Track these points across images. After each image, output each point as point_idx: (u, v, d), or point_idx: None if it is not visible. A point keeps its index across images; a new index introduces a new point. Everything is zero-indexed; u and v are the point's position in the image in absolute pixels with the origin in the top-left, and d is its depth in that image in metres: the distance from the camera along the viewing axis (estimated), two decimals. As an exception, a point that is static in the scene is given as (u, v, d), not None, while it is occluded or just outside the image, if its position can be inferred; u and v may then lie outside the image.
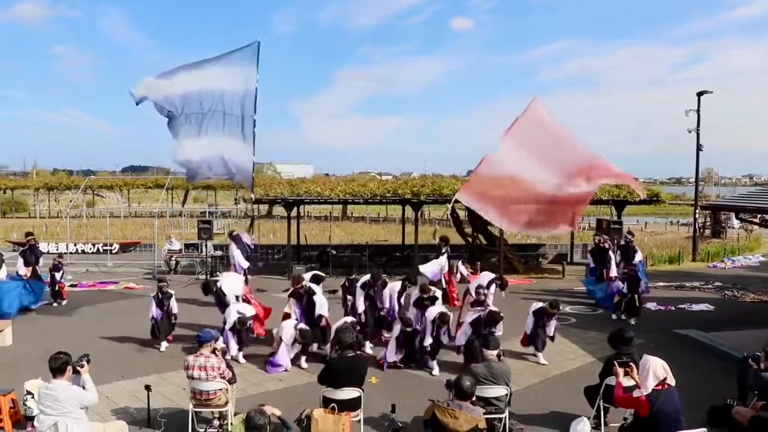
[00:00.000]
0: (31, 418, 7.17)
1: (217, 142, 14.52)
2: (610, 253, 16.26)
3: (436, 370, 10.11)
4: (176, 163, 15.30)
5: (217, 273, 19.82)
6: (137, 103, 14.20)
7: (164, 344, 11.63)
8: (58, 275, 15.53)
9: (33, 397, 7.37)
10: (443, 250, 15.07)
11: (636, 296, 13.77)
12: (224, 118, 14.53)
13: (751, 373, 7.57)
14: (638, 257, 15.79)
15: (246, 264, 16.17)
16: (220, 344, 7.91)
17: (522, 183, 12.46)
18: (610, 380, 7.18)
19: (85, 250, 25.39)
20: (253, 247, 18.14)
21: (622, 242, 16.96)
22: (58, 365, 6.10)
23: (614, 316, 14.06)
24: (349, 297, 12.13)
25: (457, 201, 13.31)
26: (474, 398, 6.38)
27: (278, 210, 35.27)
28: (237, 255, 16.04)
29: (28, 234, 16.36)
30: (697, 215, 29.21)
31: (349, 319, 10.94)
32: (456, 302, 14.43)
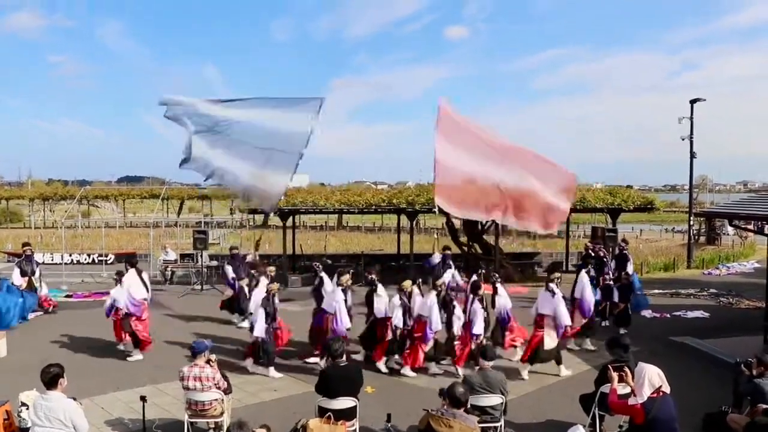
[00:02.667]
0: (26, 430, 7.13)
1: (254, 172, 12.83)
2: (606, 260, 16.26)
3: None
4: (187, 158, 13.18)
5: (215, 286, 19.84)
6: (162, 106, 12.78)
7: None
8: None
9: (28, 409, 7.34)
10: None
11: (628, 305, 13.79)
12: (270, 153, 12.75)
13: (743, 380, 7.59)
14: (630, 268, 15.58)
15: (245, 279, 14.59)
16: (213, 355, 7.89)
17: (481, 183, 12.38)
18: (606, 388, 7.20)
19: (81, 261, 25.37)
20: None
21: (617, 250, 16.93)
22: (49, 378, 6.08)
23: (604, 323, 14.06)
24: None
25: (440, 209, 13.34)
26: (468, 407, 6.39)
27: (274, 219, 35.28)
28: (228, 270, 15.07)
29: (25, 244, 16.30)
30: (691, 222, 29.32)
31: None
32: None
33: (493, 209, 12.28)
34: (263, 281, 11.35)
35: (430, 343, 10.49)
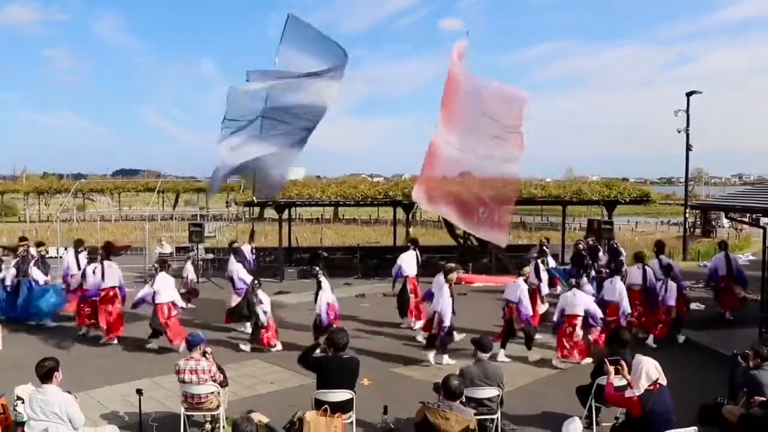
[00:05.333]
0: (22, 424, 7.11)
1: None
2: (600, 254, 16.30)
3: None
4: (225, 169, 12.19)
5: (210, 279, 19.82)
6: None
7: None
8: None
9: (23, 403, 7.32)
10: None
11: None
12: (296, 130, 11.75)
13: (739, 371, 7.60)
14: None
15: (249, 278, 13.07)
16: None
17: (468, 175, 11.76)
18: (602, 380, 7.21)
19: (76, 254, 25.20)
20: (253, 261, 15.31)
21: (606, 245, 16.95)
22: (44, 372, 6.06)
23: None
24: None
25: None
26: (464, 399, 6.39)
27: (270, 212, 35.22)
28: (238, 269, 13.43)
29: (39, 243, 16.19)
30: (687, 215, 29.36)
31: None
32: (414, 317, 13.39)
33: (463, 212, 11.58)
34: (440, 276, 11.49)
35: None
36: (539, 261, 13.55)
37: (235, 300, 13.12)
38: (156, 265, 12.05)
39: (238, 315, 12.91)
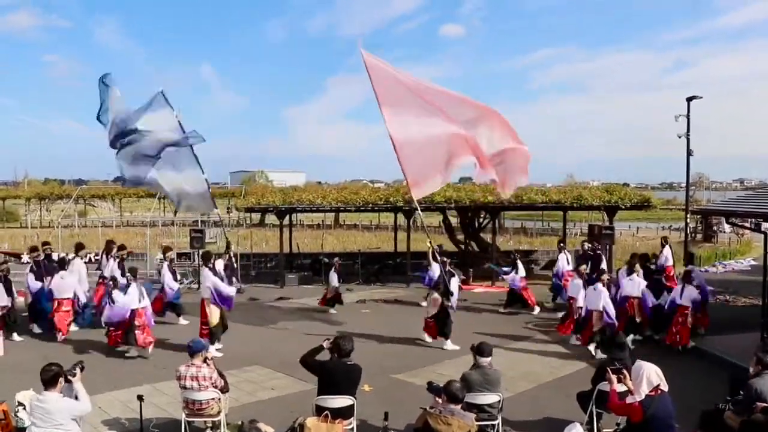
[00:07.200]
0: (23, 430, 7.12)
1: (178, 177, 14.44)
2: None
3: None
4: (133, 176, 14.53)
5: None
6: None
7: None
8: None
9: (25, 409, 7.32)
10: (448, 269, 12.80)
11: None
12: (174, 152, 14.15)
13: (743, 404, 7.39)
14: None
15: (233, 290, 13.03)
16: (211, 353, 7.88)
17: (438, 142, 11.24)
18: (603, 386, 7.20)
19: (77, 260, 25.22)
20: (226, 279, 13.21)
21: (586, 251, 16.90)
22: (49, 377, 6.07)
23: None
24: None
25: (417, 206, 13.62)
26: (464, 404, 6.39)
27: (271, 218, 35.21)
28: (216, 283, 12.11)
29: (44, 243, 16.28)
30: (688, 220, 29.34)
31: None
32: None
33: (461, 156, 11.17)
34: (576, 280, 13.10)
35: None
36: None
37: (215, 314, 12.05)
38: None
39: (214, 332, 12.00)
